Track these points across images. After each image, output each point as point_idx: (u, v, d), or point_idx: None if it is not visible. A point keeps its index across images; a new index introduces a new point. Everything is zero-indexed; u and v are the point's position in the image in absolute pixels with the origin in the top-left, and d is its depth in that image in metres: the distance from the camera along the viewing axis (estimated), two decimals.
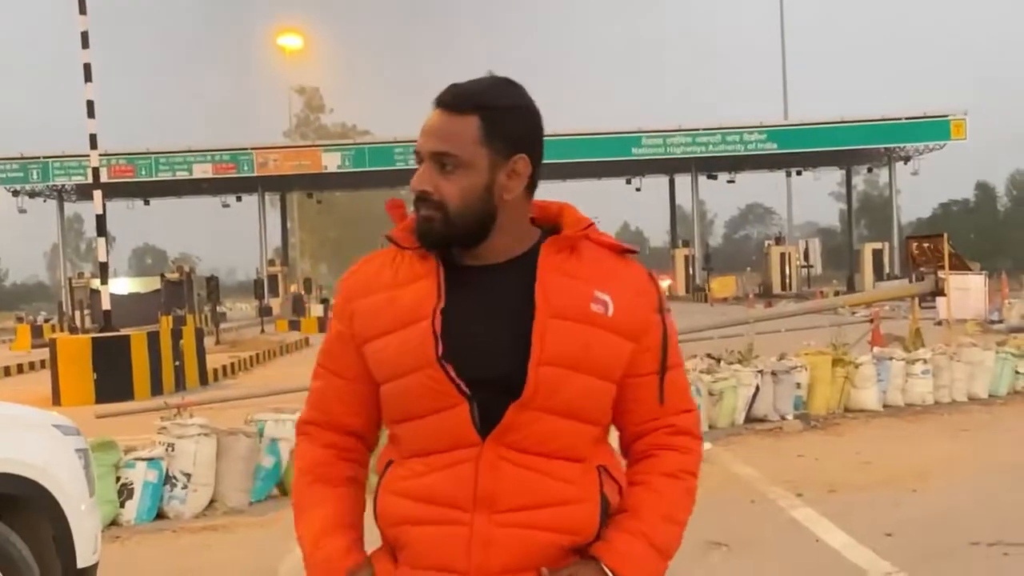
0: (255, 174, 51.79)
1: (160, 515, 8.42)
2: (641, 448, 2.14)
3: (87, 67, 20.01)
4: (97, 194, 20.57)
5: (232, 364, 22.67)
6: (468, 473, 1.97)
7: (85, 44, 20.05)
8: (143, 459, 8.43)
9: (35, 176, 51.57)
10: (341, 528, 2.09)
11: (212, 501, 8.62)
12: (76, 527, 4.92)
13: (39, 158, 51.46)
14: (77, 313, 45.25)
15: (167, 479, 8.48)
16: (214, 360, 22.20)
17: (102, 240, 21.19)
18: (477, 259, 2.05)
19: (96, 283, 33.33)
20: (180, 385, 18.59)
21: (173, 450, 8.54)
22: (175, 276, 50.16)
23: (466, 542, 1.97)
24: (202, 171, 51.68)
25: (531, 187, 2.06)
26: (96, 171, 20.82)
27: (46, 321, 50.35)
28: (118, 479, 8.32)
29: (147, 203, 58.63)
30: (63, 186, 53.86)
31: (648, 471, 2.10)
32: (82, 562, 4.96)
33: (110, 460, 8.27)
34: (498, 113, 1.99)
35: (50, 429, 5.14)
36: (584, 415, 2.01)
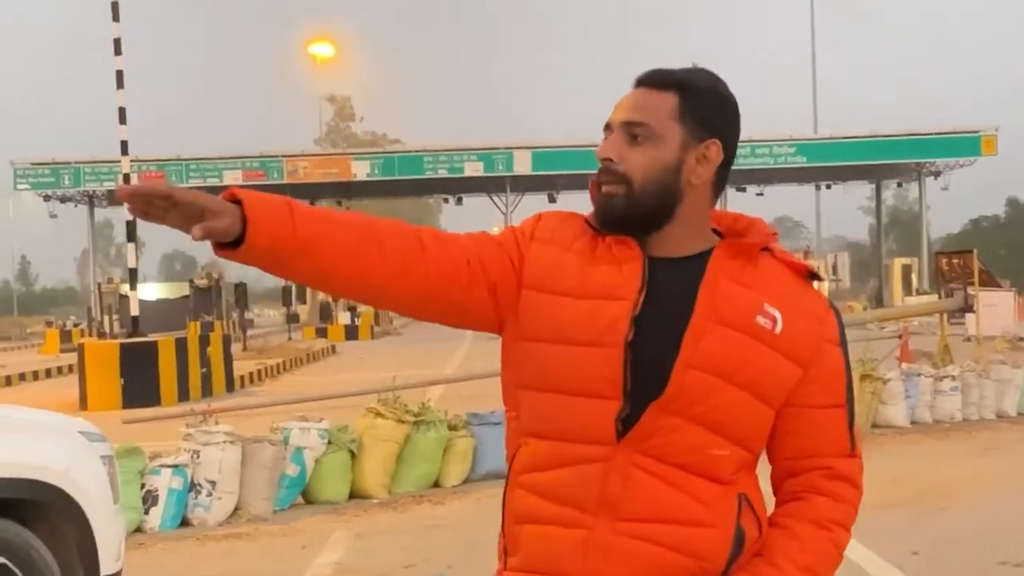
0: (285, 181, 51.88)
1: (184, 522, 8.43)
2: (792, 488, 1.98)
3: (119, 74, 20.10)
4: None
5: (259, 371, 22.71)
6: (596, 474, 1.86)
7: (118, 51, 20.15)
8: (168, 466, 8.44)
9: (66, 181, 51.77)
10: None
11: (236, 509, 8.63)
12: (99, 534, 4.94)
13: (70, 163, 51.64)
14: (106, 318, 45.47)
15: (192, 486, 8.49)
16: (241, 367, 22.27)
17: (132, 246, 21.30)
18: (651, 250, 1.92)
19: (125, 288, 33.46)
20: (207, 391, 18.60)
21: (198, 457, 8.55)
22: (204, 282, 50.27)
23: (583, 546, 1.86)
24: (232, 178, 51.71)
25: (718, 184, 1.96)
26: (127, 177, 20.92)
27: (75, 326, 50.61)
28: (143, 486, 8.33)
29: None
30: (94, 191, 54.10)
31: (794, 515, 1.94)
32: (105, 569, 4.97)
33: (135, 467, 8.29)
34: (697, 93, 1.92)
35: (75, 435, 5.16)
36: (732, 434, 1.88)
